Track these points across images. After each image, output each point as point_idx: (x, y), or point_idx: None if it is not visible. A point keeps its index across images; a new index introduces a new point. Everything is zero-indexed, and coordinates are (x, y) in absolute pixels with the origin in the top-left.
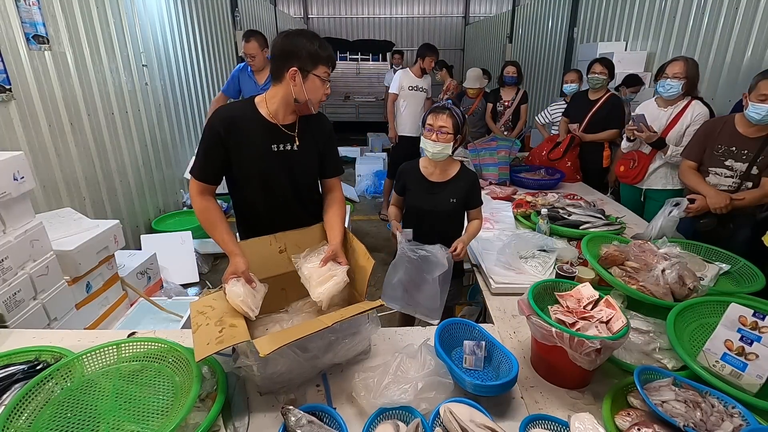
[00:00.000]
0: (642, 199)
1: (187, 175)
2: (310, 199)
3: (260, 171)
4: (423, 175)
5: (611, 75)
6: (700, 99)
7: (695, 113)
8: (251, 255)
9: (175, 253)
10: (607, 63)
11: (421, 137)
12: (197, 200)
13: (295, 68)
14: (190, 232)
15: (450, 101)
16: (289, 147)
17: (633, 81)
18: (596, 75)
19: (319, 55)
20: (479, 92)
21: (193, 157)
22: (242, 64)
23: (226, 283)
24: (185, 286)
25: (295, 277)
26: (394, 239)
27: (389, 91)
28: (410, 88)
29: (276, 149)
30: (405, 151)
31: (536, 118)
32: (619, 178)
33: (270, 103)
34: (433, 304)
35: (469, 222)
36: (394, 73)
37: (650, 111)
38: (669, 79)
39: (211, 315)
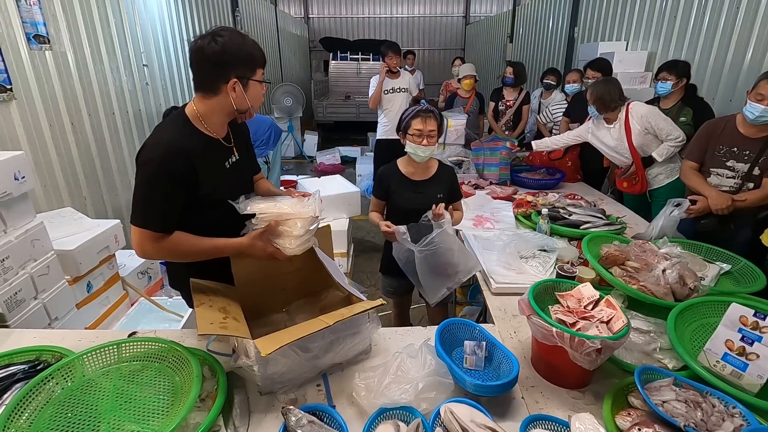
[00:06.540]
0: (649, 199)
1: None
2: None
3: (221, 193)
4: (405, 175)
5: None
6: (701, 99)
7: (638, 112)
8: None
9: None
10: (599, 66)
11: (408, 142)
12: (156, 247)
13: (235, 79)
14: None
15: (424, 102)
16: (234, 159)
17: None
18: (589, 80)
19: (256, 59)
20: (472, 92)
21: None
22: None
23: (277, 245)
24: None
25: (295, 278)
26: (392, 236)
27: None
28: (386, 92)
29: (228, 165)
30: (390, 154)
31: (537, 117)
32: (626, 192)
33: (207, 118)
34: (470, 261)
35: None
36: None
37: (599, 136)
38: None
39: (214, 300)
